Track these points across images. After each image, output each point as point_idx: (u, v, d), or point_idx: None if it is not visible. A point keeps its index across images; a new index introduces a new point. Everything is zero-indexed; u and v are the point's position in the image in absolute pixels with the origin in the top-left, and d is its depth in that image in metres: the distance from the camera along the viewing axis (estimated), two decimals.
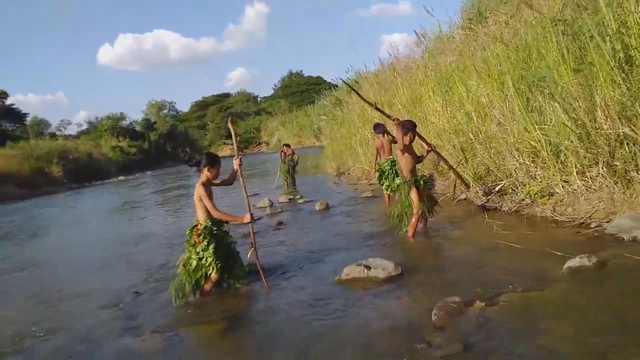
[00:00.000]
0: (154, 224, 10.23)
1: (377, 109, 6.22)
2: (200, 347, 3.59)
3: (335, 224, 7.23)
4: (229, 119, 4.85)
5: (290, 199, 10.50)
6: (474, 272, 4.11)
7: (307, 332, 3.46)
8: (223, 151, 70.35)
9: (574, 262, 3.78)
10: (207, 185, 4.49)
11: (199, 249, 4.31)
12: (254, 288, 4.61)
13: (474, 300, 3.41)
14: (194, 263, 4.32)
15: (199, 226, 4.39)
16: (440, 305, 3.32)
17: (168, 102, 65.44)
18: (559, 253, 4.22)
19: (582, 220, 5.12)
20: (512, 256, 4.39)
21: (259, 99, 78.49)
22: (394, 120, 5.78)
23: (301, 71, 71.36)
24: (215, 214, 4.35)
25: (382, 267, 4.34)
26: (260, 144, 65.78)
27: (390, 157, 8.10)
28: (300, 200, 10.14)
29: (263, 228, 7.50)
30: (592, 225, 4.96)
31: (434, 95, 10.02)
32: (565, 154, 5.66)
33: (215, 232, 4.41)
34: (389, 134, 8.20)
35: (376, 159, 8.35)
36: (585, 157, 5.42)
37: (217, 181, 4.65)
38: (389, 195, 8.23)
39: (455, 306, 3.29)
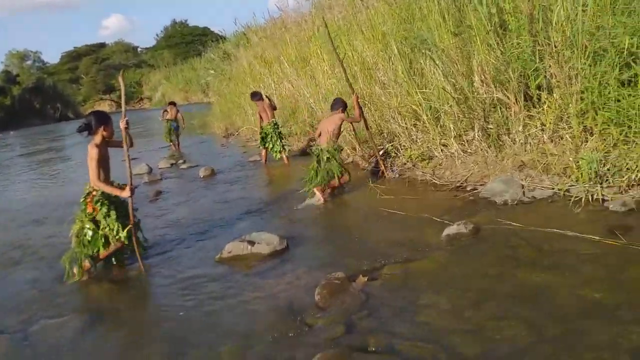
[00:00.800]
0: (16, 193, 9.04)
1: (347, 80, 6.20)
2: (57, 349, 3.14)
3: (220, 192, 6.86)
4: (121, 72, 4.18)
5: (172, 164, 9.84)
6: (359, 243, 4.08)
7: (182, 321, 3.17)
8: (100, 107, 64.73)
9: (451, 229, 3.87)
10: (103, 146, 4.00)
11: (98, 216, 3.90)
12: (129, 272, 4.18)
13: (357, 275, 3.35)
14: (89, 233, 3.92)
15: (94, 193, 3.94)
16: (324, 283, 3.20)
17: (32, 52, 58.31)
18: (438, 219, 4.33)
19: (459, 184, 5.33)
20: (394, 224, 4.42)
21: (139, 50, 72.80)
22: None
23: (186, 21, 66.98)
24: (92, 182, 3.92)
25: (267, 242, 4.14)
26: (142, 99, 61.60)
27: (273, 120, 8.65)
28: (183, 166, 9.54)
29: (139, 198, 6.84)
30: (468, 189, 5.17)
31: (322, 54, 9.81)
32: (444, 118, 5.81)
33: (114, 197, 4.00)
34: (269, 99, 8.86)
35: (260, 123, 8.80)
36: (462, 122, 5.60)
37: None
38: (266, 154, 8.83)
39: (339, 283, 3.20)
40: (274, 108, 8.76)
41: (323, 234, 4.44)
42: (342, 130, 5.73)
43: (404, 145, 6.28)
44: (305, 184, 5.65)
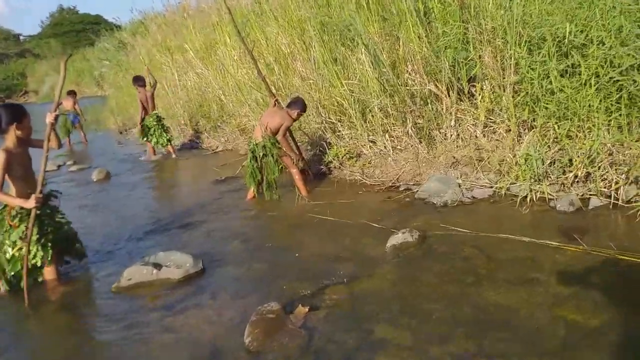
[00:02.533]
0: None
1: (263, 80, 5.32)
2: None
3: (117, 199, 5.88)
4: (65, 59, 3.31)
5: (59, 166, 8.52)
6: (291, 260, 3.46)
7: None
8: None
9: (396, 238, 3.40)
10: (16, 149, 3.25)
11: (13, 236, 3.28)
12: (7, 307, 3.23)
13: (295, 304, 2.74)
14: (9, 251, 3.32)
15: (12, 206, 3.29)
16: (255, 320, 2.56)
17: None
18: (375, 225, 3.84)
19: (391, 184, 4.90)
20: (329, 233, 3.87)
21: (21, 37, 65.80)
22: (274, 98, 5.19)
23: (74, 7, 61.69)
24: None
25: (177, 264, 3.39)
26: (26, 92, 55.71)
27: (155, 112, 8.29)
28: (73, 168, 8.27)
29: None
30: (401, 189, 4.77)
31: (231, 42, 9.01)
32: (371, 112, 5.36)
33: (38, 212, 3.27)
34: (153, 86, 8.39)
35: (142, 113, 8.24)
36: (391, 116, 5.18)
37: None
38: (154, 150, 8.49)
39: (273, 317, 2.57)
40: (153, 105, 8.35)
41: (246, 250, 3.76)
42: (280, 132, 4.86)
43: (329, 142, 5.75)
44: (246, 179, 5.01)
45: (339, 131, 5.75)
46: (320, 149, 5.83)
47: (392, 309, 2.61)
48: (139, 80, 8.23)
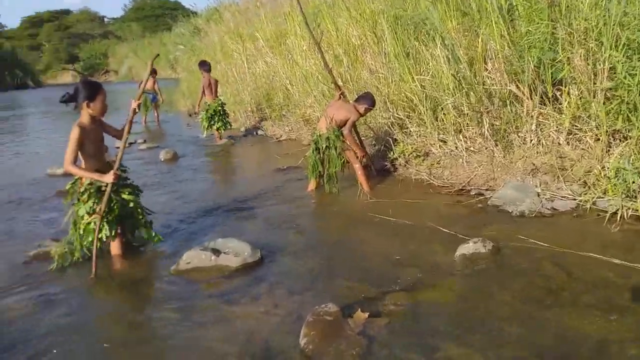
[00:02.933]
0: None
1: (330, 72, 5.17)
2: None
3: (182, 181, 5.96)
4: (153, 58, 3.93)
5: (130, 143, 8.78)
6: (349, 259, 3.31)
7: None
8: (63, 77, 61.81)
9: (467, 248, 3.15)
10: (90, 126, 3.32)
11: (81, 211, 3.33)
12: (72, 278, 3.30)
13: (354, 307, 2.58)
14: (83, 224, 3.38)
15: (82, 180, 3.36)
16: (311, 320, 2.43)
17: None
18: (444, 230, 3.61)
19: (460, 187, 4.63)
20: (392, 234, 3.68)
21: (105, 20, 69.47)
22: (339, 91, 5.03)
23: None
24: (66, 167, 3.23)
25: (235, 252, 3.32)
26: (107, 72, 58.86)
27: (218, 97, 8.50)
28: (143, 146, 8.53)
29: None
30: (472, 193, 4.49)
31: (301, 32, 8.93)
32: (444, 110, 5.08)
33: (104, 188, 3.34)
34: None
35: (201, 98, 8.43)
36: (466, 115, 4.88)
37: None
38: (220, 136, 8.60)
39: (331, 320, 2.43)
40: (216, 91, 8.55)
41: (304, 243, 3.64)
42: (346, 126, 4.70)
43: (395, 139, 5.52)
44: (308, 170, 4.90)
45: (407, 128, 5.52)
46: (386, 145, 5.62)
47: (460, 326, 2.40)
48: (204, 65, 8.40)
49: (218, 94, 8.59)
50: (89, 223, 3.37)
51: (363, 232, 3.77)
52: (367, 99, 4.78)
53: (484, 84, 4.69)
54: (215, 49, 13.77)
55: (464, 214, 4.00)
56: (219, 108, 8.42)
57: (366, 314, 2.49)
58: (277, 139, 8.48)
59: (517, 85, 4.52)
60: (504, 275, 2.88)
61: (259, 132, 9.30)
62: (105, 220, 3.36)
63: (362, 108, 4.74)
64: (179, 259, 3.31)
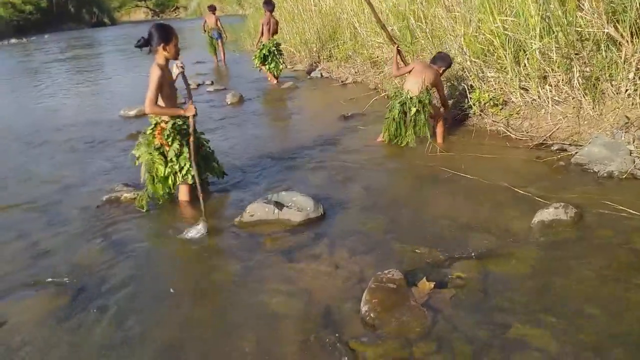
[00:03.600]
0: (51, 104, 8.31)
1: (383, 28, 5.06)
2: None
3: (247, 126, 5.93)
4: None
5: (198, 85, 8.86)
6: (416, 220, 3.16)
7: (163, 324, 2.39)
8: (136, 14, 63.14)
9: (546, 214, 2.90)
10: (166, 68, 3.38)
11: (170, 153, 3.41)
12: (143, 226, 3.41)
13: (418, 275, 2.47)
14: (161, 169, 3.45)
15: (163, 125, 3.40)
16: (374, 287, 2.34)
17: None
18: (520, 191, 3.34)
19: (541, 140, 4.26)
20: (462, 193, 3.46)
21: None
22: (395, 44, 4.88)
23: None
24: (146, 107, 3.29)
25: (298, 206, 3.26)
26: (177, 8, 59.42)
27: (274, 37, 8.38)
28: (210, 88, 8.55)
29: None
30: (553, 148, 4.12)
31: None
32: (526, 55, 4.60)
33: (185, 130, 3.46)
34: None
35: (261, 36, 8.37)
36: (553, 61, 4.39)
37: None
38: (274, 75, 8.57)
39: (394, 288, 2.33)
40: (275, 31, 8.48)
41: (368, 199, 3.50)
42: (439, 90, 4.59)
43: (470, 85, 5.13)
44: (384, 127, 4.63)
45: (483, 73, 5.09)
46: (459, 91, 5.24)
47: (534, 303, 2.22)
48: (269, 5, 8.27)
49: (274, 35, 8.46)
50: (172, 165, 3.43)
51: (432, 190, 3.58)
52: (445, 60, 4.58)
53: (576, 26, 4.17)
54: None
55: (544, 173, 3.69)
56: (273, 48, 8.32)
57: (432, 284, 2.37)
58: (342, 81, 8.21)
59: (615, 27, 3.97)
60: (586, 247, 2.63)
61: (324, 73, 9.04)
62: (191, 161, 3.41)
63: (440, 69, 4.56)
64: (243, 211, 3.29)
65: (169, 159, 3.43)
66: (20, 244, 3.19)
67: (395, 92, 4.60)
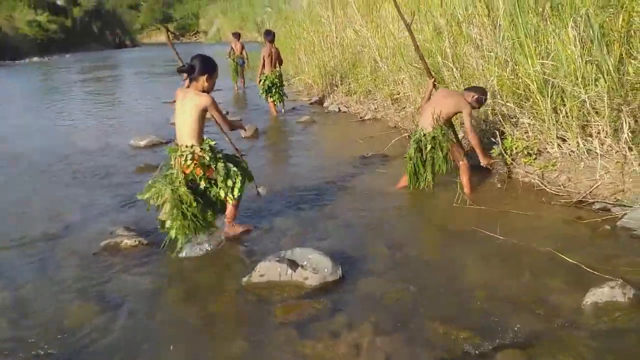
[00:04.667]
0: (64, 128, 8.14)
1: (421, 58, 4.62)
2: None
3: (261, 162, 5.65)
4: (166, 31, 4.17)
5: None
6: (445, 289, 2.78)
7: None
8: (156, 37, 64.40)
9: (600, 294, 2.51)
10: None
11: (220, 177, 3.30)
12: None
13: None
14: (193, 204, 3.25)
15: (198, 151, 3.24)
16: None
17: None
18: (565, 258, 2.96)
19: (581, 197, 3.88)
20: (499, 257, 3.09)
21: None
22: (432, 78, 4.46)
23: None
24: (227, 127, 3.47)
25: (314, 267, 2.92)
26: (197, 32, 60.53)
27: (277, 69, 8.21)
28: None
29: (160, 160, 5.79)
30: (595, 207, 3.74)
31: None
32: (563, 101, 4.27)
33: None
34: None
35: (262, 68, 8.18)
36: (598, 112, 4.04)
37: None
38: (275, 105, 8.45)
39: None
40: (280, 61, 8.40)
41: (393, 260, 3.14)
42: (466, 121, 4.06)
43: (501, 132, 4.80)
44: (406, 170, 4.29)
45: (516, 119, 4.76)
46: (490, 137, 4.91)
47: None
48: (268, 35, 8.25)
49: (277, 66, 8.31)
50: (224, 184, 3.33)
51: (463, 252, 3.21)
52: (478, 89, 4.17)
53: (625, 74, 3.84)
54: (304, 15, 13.24)
55: (587, 237, 3.31)
56: (276, 80, 8.18)
57: None
58: (360, 117, 7.93)
59: None
60: None
61: (342, 108, 8.78)
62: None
63: (470, 97, 4.09)
64: (252, 270, 2.95)
65: (220, 180, 3.30)
66: (2, 297, 2.87)
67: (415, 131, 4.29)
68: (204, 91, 3.26)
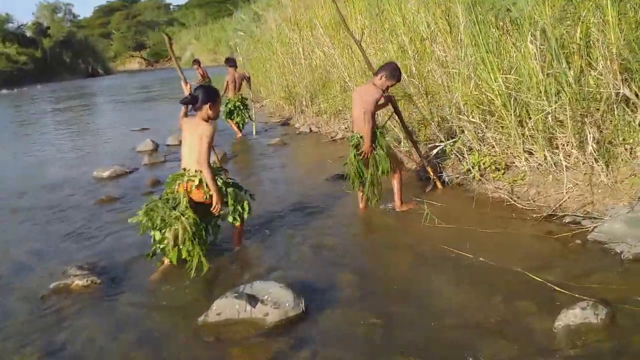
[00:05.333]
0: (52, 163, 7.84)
1: (360, 48, 4.61)
2: None
3: None
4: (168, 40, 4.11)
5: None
6: (415, 318, 2.63)
7: None
8: (130, 64, 64.11)
9: (572, 316, 2.39)
10: None
11: (230, 201, 3.44)
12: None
13: None
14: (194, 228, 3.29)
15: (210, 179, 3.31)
16: None
17: (64, 5, 56.97)
18: (535, 277, 2.85)
19: (550, 211, 3.81)
20: (467, 278, 2.97)
21: (171, 7, 71.30)
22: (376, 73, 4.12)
23: None
24: (206, 168, 3.29)
25: (275, 301, 2.74)
26: (171, 58, 60.31)
27: (240, 93, 8.63)
28: None
29: (129, 190, 5.59)
30: (565, 220, 3.67)
31: (362, 19, 8.17)
32: (529, 115, 4.23)
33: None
34: (247, 76, 8.85)
35: (224, 92, 8.43)
36: (562, 124, 4.01)
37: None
38: (239, 129, 8.72)
39: None
40: (249, 83, 8.85)
41: (360, 289, 2.97)
42: (366, 111, 3.90)
43: (469, 147, 4.74)
44: (348, 184, 4.29)
45: (482, 134, 4.71)
46: (457, 153, 4.84)
47: None
48: (229, 61, 8.74)
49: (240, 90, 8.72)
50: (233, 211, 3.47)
51: (432, 275, 3.08)
52: (384, 66, 3.99)
53: (586, 85, 3.81)
54: (273, 37, 13.22)
55: (558, 253, 3.21)
56: (238, 103, 8.53)
57: None
58: (331, 137, 7.84)
59: (629, 87, 3.62)
60: None
61: (313, 128, 8.70)
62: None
63: (379, 80, 3.91)
64: (208, 309, 2.76)
65: (230, 204, 3.43)
66: None
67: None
68: (209, 118, 3.38)
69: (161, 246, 3.24)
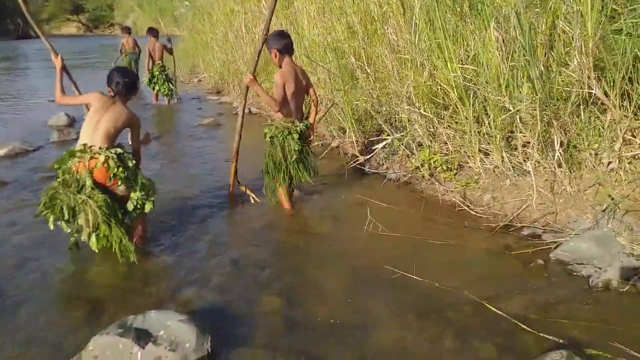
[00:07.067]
0: None
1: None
2: None
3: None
4: None
5: None
6: (355, 358, 2.10)
7: None
8: (67, 28, 59.94)
9: None
10: None
11: (137, 187, 3.01)
12: None
13: None
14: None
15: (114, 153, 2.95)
16: None
17: None
18: (494, 310, 2.39)
19: (507, 221, 3.38)
20: (413, 307, 2.46)
21: None
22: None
23: None
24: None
25: (172, 340, 2.12)
26: (112, 25, 57.00)
27: (160, 62, 8.90)
28: None
29: (24, 173, 4.72)
30: (524, 233, 3.26)
31: None
32: (486, 111, 3.78)
33: None
34: (167, 45, 9.11)
35: (148, 62, 8.90)
36: (524, 122, 3.57)
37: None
38: (157, 96, 9.15)
39: None
40: (170, 52, 9.09)
41: (283, 320, 2.39)
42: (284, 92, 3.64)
43: (418, 143, 4.24)
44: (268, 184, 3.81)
45: (434, 129, 4.23)
46: (405, 148, 4.34)
47: None
48: (152, 31, 9.01)
49: (161, 60, 8.95)
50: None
51: (370, 303, 2.54)
52: (272, 37, 3.67)
53: (554, 82, 3.37)
54: (214, 9, 12.27)
55: (518, 275, 2.77)
56: (157, 72, 8.84)
57: None
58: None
59: (603, 89, 3.21)
60: None
61: (253, 109, 7.99)
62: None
63: (273, 55, 3.72)
64: (82, 350, 2.10)
65: (137, 190, 3.00)
66: None
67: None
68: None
69: (82, 237, 2.86)
